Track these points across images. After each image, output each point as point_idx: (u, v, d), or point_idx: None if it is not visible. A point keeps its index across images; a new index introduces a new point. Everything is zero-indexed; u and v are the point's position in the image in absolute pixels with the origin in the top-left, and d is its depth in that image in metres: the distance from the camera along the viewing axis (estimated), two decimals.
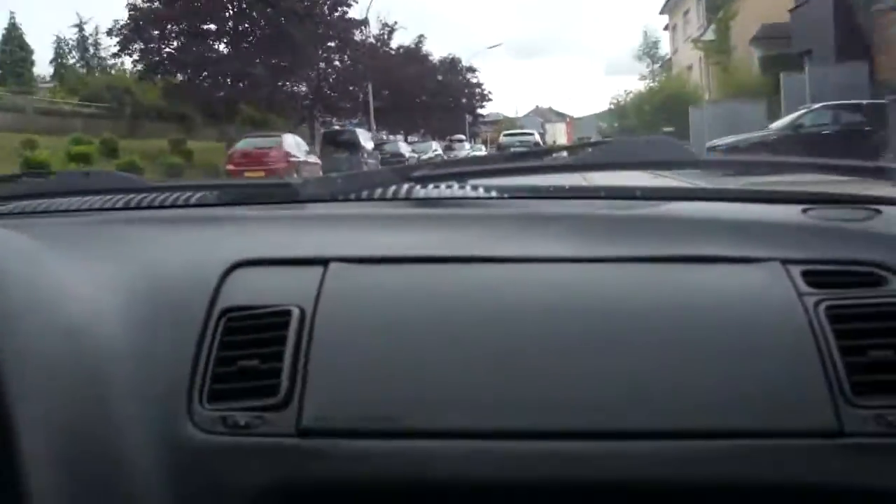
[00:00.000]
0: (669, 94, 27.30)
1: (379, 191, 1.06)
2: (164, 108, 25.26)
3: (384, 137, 32.30)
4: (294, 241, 0.92)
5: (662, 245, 0.85)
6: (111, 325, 0.78)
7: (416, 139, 37.11)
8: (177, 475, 0.72)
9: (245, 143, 18.20)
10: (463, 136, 40.03)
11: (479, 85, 46.89)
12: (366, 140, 22.86)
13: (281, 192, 1.14)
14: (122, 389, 0.74)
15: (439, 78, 40.70)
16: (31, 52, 30.60)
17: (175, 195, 1.10)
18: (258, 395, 0.74)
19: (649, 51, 39.38)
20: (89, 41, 35.42)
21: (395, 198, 1.05)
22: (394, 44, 37.02)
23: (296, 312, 0.79)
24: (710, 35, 25.61)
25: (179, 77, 23.64)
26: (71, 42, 23.37)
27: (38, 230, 0.93)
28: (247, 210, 1.08)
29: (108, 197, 1.12)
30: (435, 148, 31.45)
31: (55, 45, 30.45)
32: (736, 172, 3.94)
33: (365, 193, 1.08)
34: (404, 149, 27.56)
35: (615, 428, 0.71)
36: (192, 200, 1.10)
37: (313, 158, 19.37)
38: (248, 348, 0.77)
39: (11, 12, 35.78)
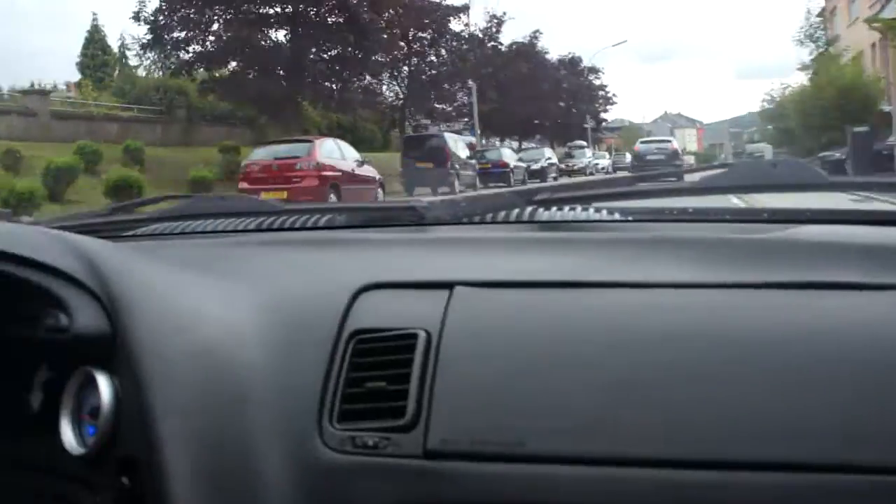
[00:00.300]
0: (842, 86, 23.07)
1: (503, 214, 1.08)
2: (226, 112, 21.71)
3: (489, 144, 29.33)
4: (420, 265, 0.95)
5: (790, 270, 0.83)
6: (246, 345, 0.82)
7: (531, 146, 33.39)
8: (309, 492, 0.75)
9: (263, 153, 14.14)
10: (584, 143, 37.32)
11: (602, 87, 43.51)
12: (457, 147, 19.54)
13: (406, 216, 1.17)
14: (257, 407, 0.78)
15: (558, 79, 37.06)
16: (113, 55, 27.23)
17: (304, 217, 1.16)
18: (386, 417, 0.76)
19: (813, 33, 32.75)
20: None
21: (518, 221, 1.07)
22: (504, 39, 32.49)
23: (422, 335, 0.80)
24: (891, 11, 21.02)
25: (225, 71, 19.96)
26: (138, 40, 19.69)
27: (176, 252, 1.00)
28: (373, 233, 1.12)
29: (241, 220, 1.19)
30: (549, 156, 28.31)
31: (119, 44, 26.31)
32: (877, 191, 3.75)
33: (489, 216, 1.10)
34: (509, 157, 23.83)
35: (740, 458, 0.70)
36: (321, 223, 1.14)
37: (369, 171, 15.42)
38: (376, 370, 0.80)
39: (94, 13, 34.32)
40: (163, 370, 0.76)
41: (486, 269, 0.90)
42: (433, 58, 25.18)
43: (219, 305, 0.87)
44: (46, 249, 0.85)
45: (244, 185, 13.33)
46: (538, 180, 24.07)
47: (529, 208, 1.08)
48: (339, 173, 13.92)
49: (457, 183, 18.68)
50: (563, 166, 30.30)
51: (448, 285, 0.86)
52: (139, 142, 17.53)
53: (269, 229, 1.15)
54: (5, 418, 0.92)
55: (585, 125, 41.04)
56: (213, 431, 0.75)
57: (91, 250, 0.86)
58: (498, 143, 31.57)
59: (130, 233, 1.24)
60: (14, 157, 14.24)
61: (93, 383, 0.82)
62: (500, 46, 31.61)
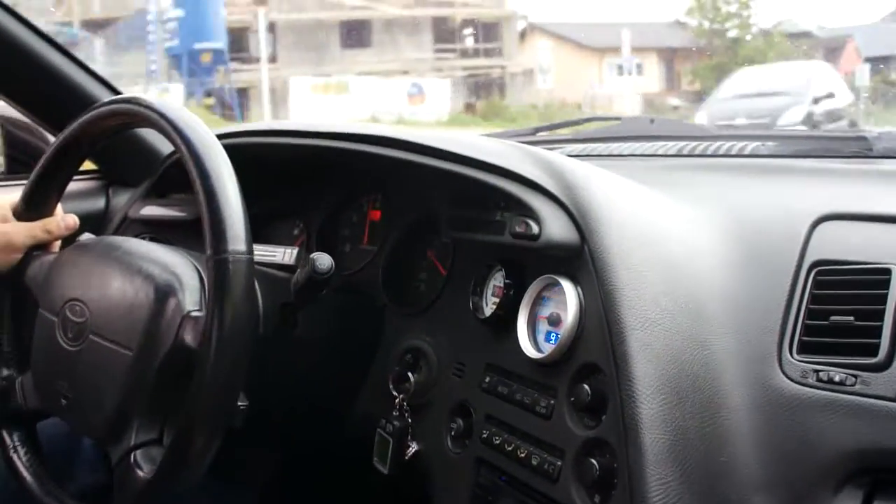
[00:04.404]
0: None
1: None
2: None
3: None
4: (878, 198, 0.89)
5: None
6: (706, 264, 0.83)
7: None
8: (764, 419, 0.74)
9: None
10: None
11: None
12: None
13: (856, 146, 1.10)
14: (717, 325, 0.79)
15: None
16: None
17: (741, 144, 1.13)
18: (853, 353, 0.73)
19: None
20: None
21: None
22: None
23: None
24: None
25: None
26: None
27: (630, 171, 1.01)
28: (821, 163, 1.07)
29: (675, 143, 1.19)
30: None
31: None
32: None
33: None
34: None
35: None
36: (763, 151, 1.11)
37: None
38: (841, 303, 0.76)
39: None
40: (631, 280, 0.78)
41: None
42: None
43: (680, 223, 0.88)
44: (516, 159, 0.91)
45: None
46: None
47: None
48: None
49: None
50: None
51: None
52: None
53: (713, 155, 1.14)
54: (456, 318, 1.01)
55: None
56: (676, 345, 0.76)
57: (557, 162, 0.90)
58: None
59: (561, 151, 1.28)
60: None
61: (553, 291, 0.87)
62: None
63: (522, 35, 24.61)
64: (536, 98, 21.55)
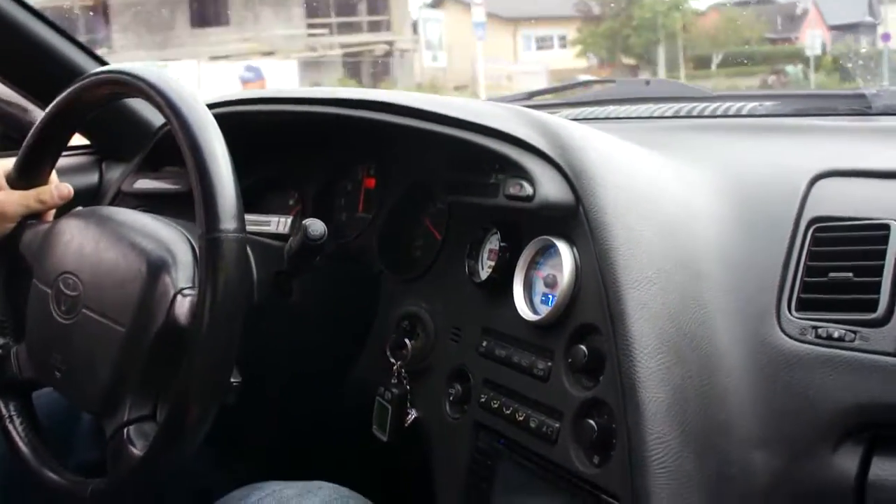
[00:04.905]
0: None
1: None
2: None
3: None
4: (876, 155, 0.89)
5: None
6: (703, 224, 0.82)
7: None
8: (763, 376, 0.74)
9: None
10: None
11: None
12: None
13: (854, 104, 1.09)
14: (715, 284, 0.78)
15: None
16: None
17: (739, 105, 1.12)
18: (852, 309, 0.73)
19: None
20: None
21: None
22: None
23: (895, 226, 0.75)
24: None
25: None
26: None
27: (625, 132, 1.00)
28: (819, 121, 1.06)
29: (671, 105, 1.17)
30: None
31: None
32: None
33: None
34: None
35: None
36: (760, 110, 1.10)
37: None
38: (839, 260, 0.76)
39: None
40: (627, 239, 0.77)
41: None
42: None
43: (678, 183, 0.87)
44: (511, 121, 0.90)
45: None
46: None
47: None
48: None
49: None
50: None
51: None
52: None
53: (712, 116, 1.13)
54: (452, 283, 1.00)
55: None
56: (674, 303, 0.76)
57: (552, 124, 0.89)
58: None
59: (558, 115, 1.27)
60: None
61: (548, 252, 0.86)
62: None
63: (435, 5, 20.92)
64: (423, 79, 18.47)
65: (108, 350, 0.82)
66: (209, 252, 0.74)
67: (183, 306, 0.80)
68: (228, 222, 0.75)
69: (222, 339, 0.75)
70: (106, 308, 0.84)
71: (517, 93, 1.46)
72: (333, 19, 19.21)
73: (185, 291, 0.81)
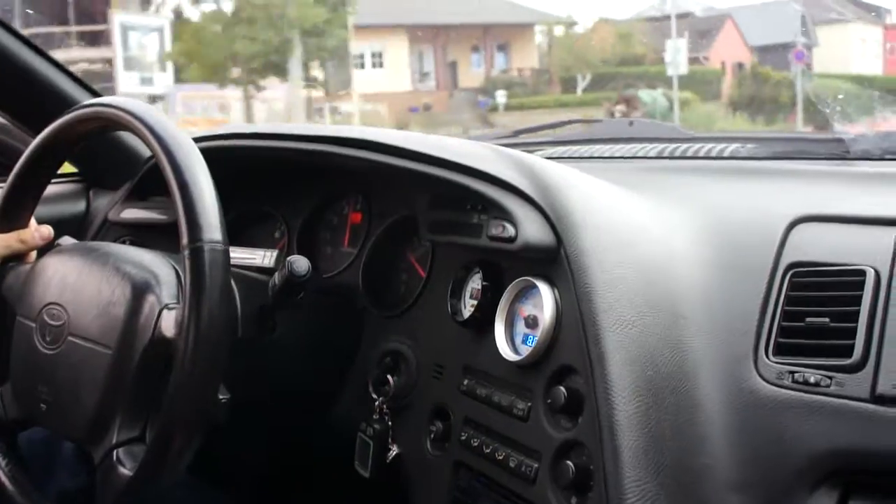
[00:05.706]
0: None
1: None
2: None
3: None
4: (855, 201, 0.89)
5: None
6: (683, 266, 0.83)
7: None
8: (740, 420, 0.74)
9: None
10: None
11: None
12: None
13: (833, 148, 1.10)
14: (694, 327, 0.79)
15: None
16: None
17: (720, 146, 1.14)
18: (829, 355, 0.73)
19: None
20: None
21: None
22: None
23: (871, 273, 0.76)
24: None
25: None
26: None
27: (608, 172, 1.01)
28: (798, 164, 1.08)
29: (654, 146, 1.19)
30: None
31: None
32: None
33: None
34: None
35: None
36: (742, 153, 1.12)
37: None
38: (816, 305, 0.76)
39: None
40: (607, 281, 0.78)
41: None
42: None
43: (658, 225, 0.88)
44: (494, 162, 0.91)
45: None
46: None
47: None
48: None
49: None
50: None
51: (893, 222, 0.80)
52: None
53: (694, 157, 1.14)
54: (435, 321, 1.01)
55: None
56: (653, 346, 0.76)
57: (534, 165, 0.91)
58: None
59: (541, 154, 1.28)
60: None
61: (530, 293, 0.87)
62: None
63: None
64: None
65: (95, 374, 0.82)
66: (192, 262, 0.75)
67: (168, 319, 0.81)
68: (211, 233, 0.76)
69: (209, 347, 0.75)
70: (91, 333, 0.84)
71: (502, 130, 1.48)
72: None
73: (171, 306, 0.82)
